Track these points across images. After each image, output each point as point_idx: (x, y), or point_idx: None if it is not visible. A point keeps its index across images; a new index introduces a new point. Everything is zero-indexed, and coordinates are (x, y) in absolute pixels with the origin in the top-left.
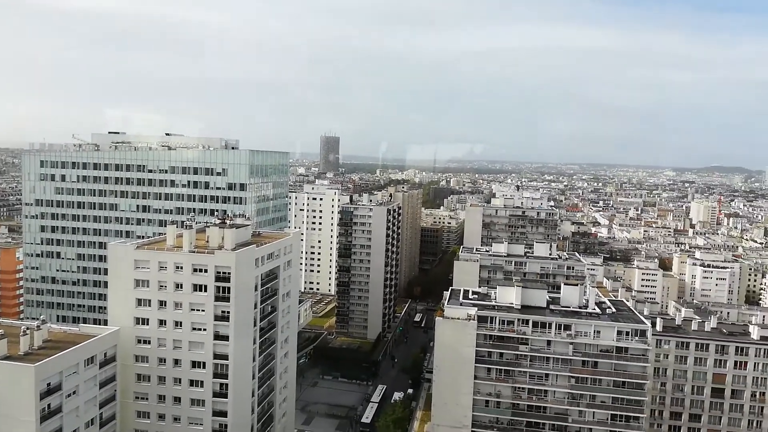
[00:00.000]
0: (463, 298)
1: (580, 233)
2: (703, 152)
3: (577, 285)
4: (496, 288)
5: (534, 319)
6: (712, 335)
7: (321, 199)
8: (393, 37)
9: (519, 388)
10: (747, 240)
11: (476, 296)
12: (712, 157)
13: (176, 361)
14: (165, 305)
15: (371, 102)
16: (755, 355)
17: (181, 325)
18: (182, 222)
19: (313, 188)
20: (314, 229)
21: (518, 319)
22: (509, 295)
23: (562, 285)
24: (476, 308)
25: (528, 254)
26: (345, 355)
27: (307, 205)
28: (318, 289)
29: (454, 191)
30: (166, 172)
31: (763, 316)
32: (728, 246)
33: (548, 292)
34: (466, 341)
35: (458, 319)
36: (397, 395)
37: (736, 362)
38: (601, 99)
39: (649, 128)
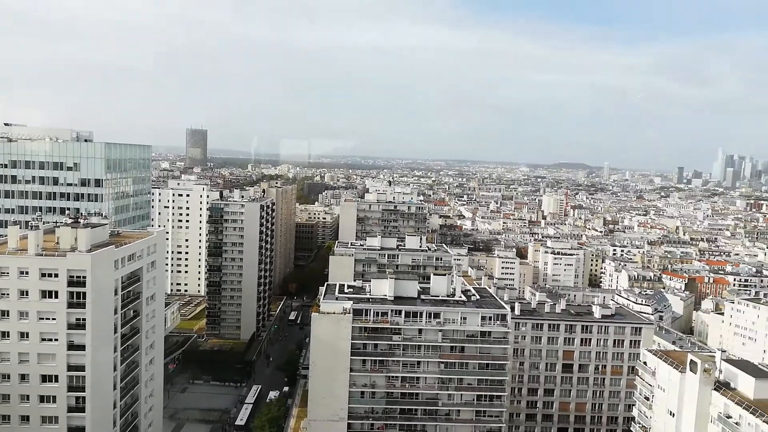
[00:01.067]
0: (338, 293)
1: (447, 226)
2: (554, 150)
3: (445, 275)
4: (370, 281)
5: (406, 309)
6: (562, 316)
7: (188, 195)
8: (267, 27)
9: (393, 377)
10: (589, 229)
11: (351, 290)
12: (560, 155)
13: (23, 377)
14: (8, 315)
15: (242, 94)
16: (597, 332)
17: (27, 336)
18: (26, 222)
19: (178, 184)
20: (181, 227)
21: (392, 310)
22: (383, 287)
23: (432, 275)
24: (351, 302)
25: (400, 247)
26: (217, 358)
27: (173, 201)
28: (186, 291)
29: (328, 186)
30: (5, 166)
31: (603, 297)
32: (574, 235)
33: (419, 282)
34: (342, 334)
35: (334, 313)
36: (273, 394)
37: (582, 339)
38: (467, 98)
39: (508, 127)
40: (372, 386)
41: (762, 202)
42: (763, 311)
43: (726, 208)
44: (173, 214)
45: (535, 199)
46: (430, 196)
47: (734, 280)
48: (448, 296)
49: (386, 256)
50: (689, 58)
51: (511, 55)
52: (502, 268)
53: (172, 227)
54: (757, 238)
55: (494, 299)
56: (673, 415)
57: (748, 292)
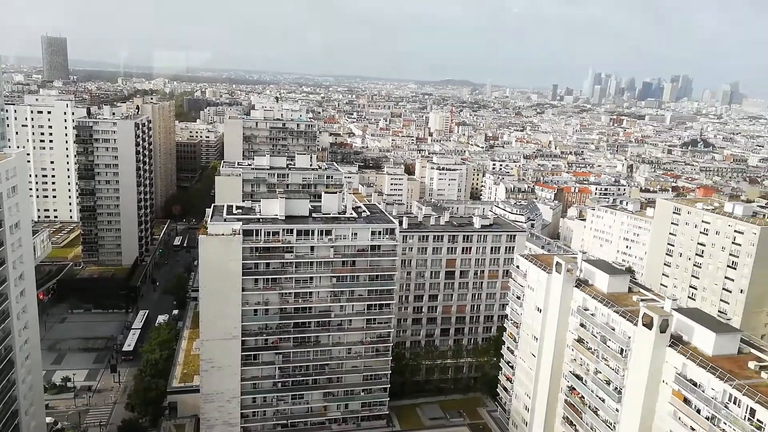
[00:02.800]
0: (227, 214)
1: (338, 144)
2: (441, 67)
3: (335, 193)
4: (260, 201)
5: (298, 228)
6: (445, 228)
7: (49, 112)
8: None
9: (286, 293)
10: (472, 145)
11: (240, 211)
12: (447, 72)
13: None
14: None
15: None
16: (477, 241)
17: None
18: None
19: (37, 99)
20: (44, 148)
21: (283, 229)
22: (273, 207)
23: (323, 194)
24: (241, 223)
25: (290, 166)
26: (97, 285)
27: (32, 120)
28: (57, 217)
29: (210, 103)
30: None
31: (483, 209)
32: (458, 151)
33: (310, 201)
34: (232, 255)
35: (223, 234)
36: (162, 318)
37: (463, 248)
38: (354, 12)
39: (396, 43)
40: (265, 303)
41: (623, 117)
42: (618, 216)
43: (592, 124)
44: (33, 133)
45: (422, 116)
46: (319, 113)
47: (596, 189)
48: (339, 213)
49: (276, 175)
50: None
51: None
52: (391, 184)
53: (33, 148)
54: (617, 150)
55: (384, 215)
56: (540, 310)
57: (607, 199)
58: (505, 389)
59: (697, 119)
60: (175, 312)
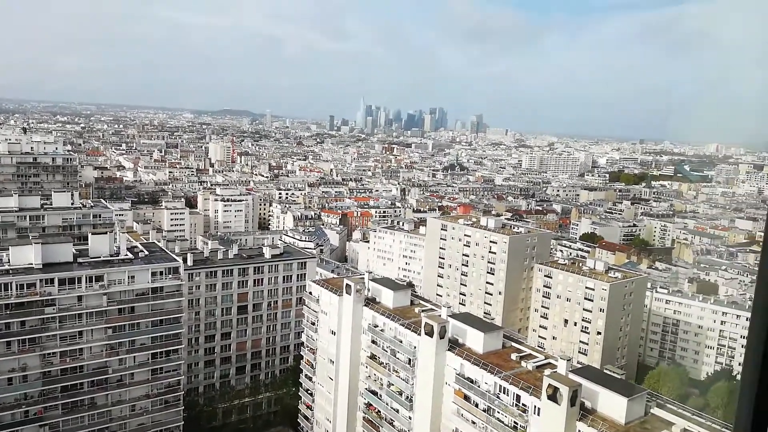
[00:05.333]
0: None
1: (105, 178)
2: (218, 96)
3: (105, 233)
4: (8, 249)
5: (60, 276)
6: (234, 261)
7: None
8: None
9: (49, 354)
10: (256, 175)
11: None
12: (224, 101)
13: None
14: None
15: None
16: (268, 271)
17: None
18: None
19: None
20: None
21: (40, 280)
22: (26, 255)
23: (90, 235)
24: None
25: (46, 206)
26: None
27: None
28: None
29: None
30: None
31: (273, 238)
32: (242, 181)
33: (75, 244)
34: None
35: None
36: None
37: (255, 280)
38: (117, 35)
39: (167, 70)
40: (22, 369)
41: (393, 145)
42: (397, 236)
43: (368, 152)
44: None
45: (201, 147)
46: (80, 145)
47: (375, 212)
48: (111, 256)
49: (27, 217)
50: (325, 11)
51: None
52: (172, 219)
53: None
54: (391, 176)
55: (165, 253)
56: (335, 333)
57: (386, 221)
58: (306, 417)
59: (453, 146)
60: None
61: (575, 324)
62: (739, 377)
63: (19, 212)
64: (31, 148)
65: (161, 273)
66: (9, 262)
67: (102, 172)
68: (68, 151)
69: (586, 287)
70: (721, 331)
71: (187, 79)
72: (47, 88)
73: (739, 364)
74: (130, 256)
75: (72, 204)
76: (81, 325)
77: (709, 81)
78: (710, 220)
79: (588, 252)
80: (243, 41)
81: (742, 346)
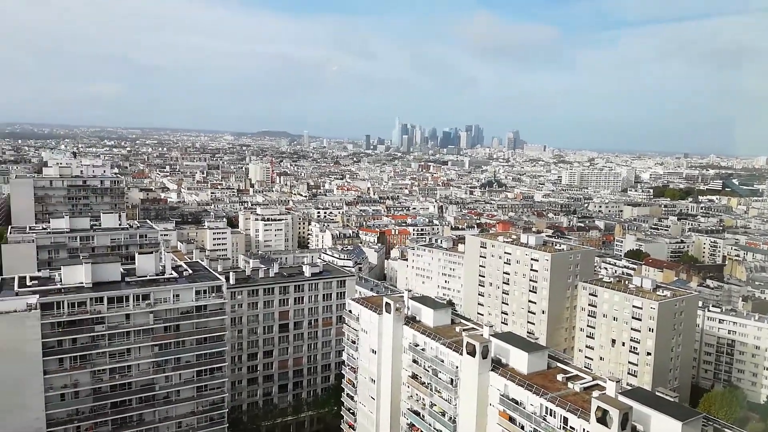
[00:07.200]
0: (19, 287)
1: (150, 200)
2: (257, 119)
3: (151, 253)
4: (60, 269)
5: (109, 295)
6: (275, 279)
7: None
8: None
9: (99, 370)
10: (295, 194)
11: (36, 282)
12: (263, 123)
13: None
14: None
15: None
16: (308, 290)
17: None
18: None
19: None
20: None
21: (91, 298)
22: (77, 274)
23: (136, 255)
24: (38, 295)
25: (95, 227)
26: None
27: None
28: None
29: None
30: None
31: (312, 257)
32: (282, 201)
33: (122, 264)
34: (29, 335)
35: (15, 312)
36: None
37: (295, 298)
38: (159, 62)
39: (208, 95)
40: (74, 386)
41: (430, 163)
42: (435, 254)
43: (404, 170)
44: None
45: (241, 168)
46: (126, 168)
47: (413, 230)
48: (157, 275)
49: (78, 238)
50: (353, 33)
51: (173, 18)
52: (214, 239)
53: None
54: (427, 193)
55: (208, 272)
56: (375, 352)
57: (423, 239)
58: None
59: (490, 163)
60: None
61: (623, 344)
62: None
63: (71, 233)
64: (81, 171)
65: (205, 292)
66: (61, 281)
67: (147, 194)
68: (115, 173)
69: (634, 306)
70: None
71: (227, 102)
72: (95, 113)
73: None
74: (175, 275)
75: (119, 225)
76: (129, 342)
77: (756, 94)
78: (763, 236)
79: (634, 269)
80: (280, 66)
81: None
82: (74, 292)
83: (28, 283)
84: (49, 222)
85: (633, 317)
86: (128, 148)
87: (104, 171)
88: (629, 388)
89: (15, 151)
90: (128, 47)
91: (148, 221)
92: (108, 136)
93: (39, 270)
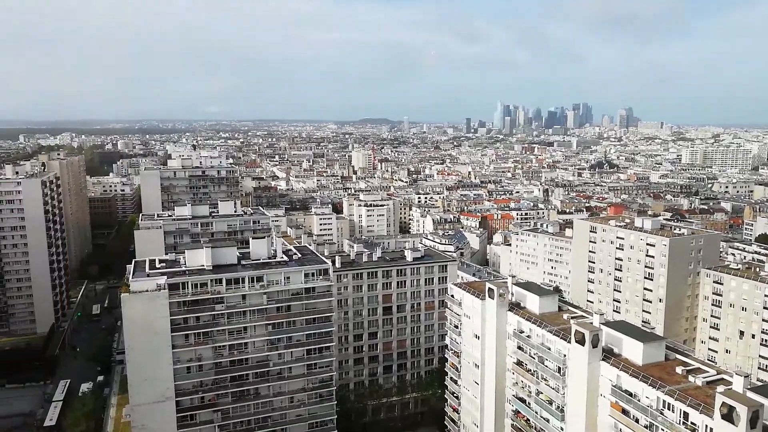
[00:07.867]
0: (149, 269)
1: (261, 188)
2: (358, 107)
3: (264, 237)
4: (184, 252)
5: (227, 277)
6: (378, 263)
7: None
8: None
9: (219, 346)
10: (396, 180)
11: (164, 264)
12: (364, 111)
13: None
14: None
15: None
16: (411, 274)
17: None
18: None
19: None
20: None
21: (211, 280)
22: (199, 258)
23: (250, 239)
24: (166, 277)
25: (213, 214)
26: (9, 358)
27: None
28: None
29: (123, 155)
30: None
31: (413, 242)
32: (383, 187)
33: (238, 248)
34: (159, 312)
35: (147, 291)
36: (86, 386)
37: (398, 282)
38: (268, 57)
39: (313, 86)
40: (198, 359)
41: (534, 145)
42: (541, 239)
43: (506, 153)
44: None
45: (345, 155)
46: (240, 158)
47: (517, 214)
48: (269, 258)
49: (199, 224)
50: (456, 15)
51: (292, 11)
52: (320, 224)
53: None
54: (532, 176)
55: (315, 255)
56: (478, 337)
57: (528, 224)
58: (453, 421)
59: (600, 143)
60: (100, 378)
61: (753, 336)
62: None
63: (192, 220)
64: (200, 162)
65: (313, 274)
66: (185, 264)
67: (259, 182)
68: (230, 164)
69: (766, 295)
70: None
71: (330, 92)
72: (212, 108)
73: None
74: (286, 258)
75: (235, 211)
76: (245, 321)
77: None
78: None
79: (766, 255)
80: (379, 53)
81: None
82: (197, 274)
83: (157, 266)
84: (173, 210)
85: (764, 307)
86: (241, 140)
87: (220, 162)
88: (760, 384)
89: (143, 146)
90: (240, 44)
91: (260, 208)
92: (223, 129)
93: (166, 253)
